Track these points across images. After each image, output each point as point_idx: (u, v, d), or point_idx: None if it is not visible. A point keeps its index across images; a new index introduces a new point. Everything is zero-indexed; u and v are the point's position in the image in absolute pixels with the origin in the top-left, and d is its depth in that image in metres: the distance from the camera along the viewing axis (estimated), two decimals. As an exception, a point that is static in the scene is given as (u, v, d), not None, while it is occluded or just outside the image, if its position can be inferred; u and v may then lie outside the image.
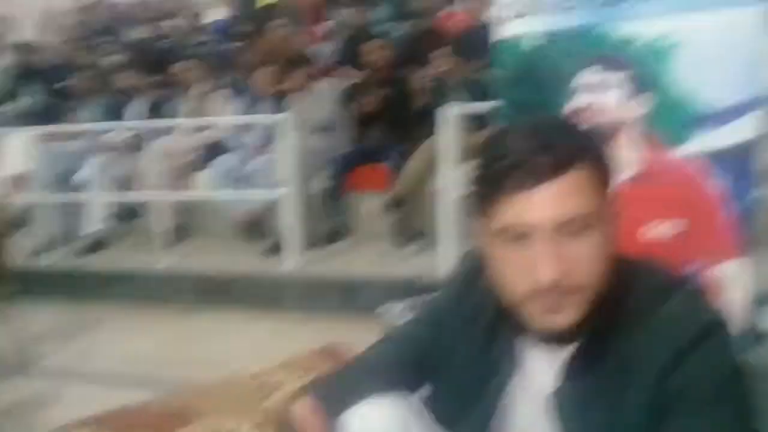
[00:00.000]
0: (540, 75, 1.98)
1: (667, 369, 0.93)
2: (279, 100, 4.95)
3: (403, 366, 1.17)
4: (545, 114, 1.85)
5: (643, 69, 1.78)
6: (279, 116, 4.42)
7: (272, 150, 4.61)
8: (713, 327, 0.95)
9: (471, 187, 1.00)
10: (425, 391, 1.18)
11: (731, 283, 1.62)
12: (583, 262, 0.92)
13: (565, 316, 0.94)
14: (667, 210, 1.67)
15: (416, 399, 1.11)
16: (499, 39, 2.10)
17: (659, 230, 1.66)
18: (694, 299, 0.99)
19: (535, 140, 0.92)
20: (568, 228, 0.91)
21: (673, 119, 1.72)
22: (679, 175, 1.67)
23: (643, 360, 0.95)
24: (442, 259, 3.85)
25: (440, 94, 4.50)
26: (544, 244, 0.90)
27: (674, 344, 0.93)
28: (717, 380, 0.92)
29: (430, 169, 4.24)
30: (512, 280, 0.95)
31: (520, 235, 0.92)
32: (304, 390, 1.16)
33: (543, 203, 0.90)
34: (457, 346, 1.14)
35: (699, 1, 1.73)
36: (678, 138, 1.70)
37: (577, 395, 0.99)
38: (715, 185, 1.65)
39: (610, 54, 1.84)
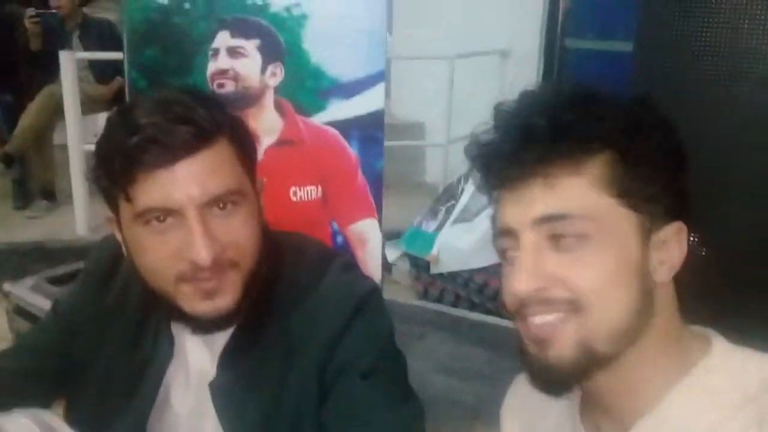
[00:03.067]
0: (171, 36, 1.89)
1: (331, 345, 0.94)
2: None
3: (31, 379, 1.04)
4: (176, 80, 1.81)
5: (277, 37, 1.84)
6: None
7: None
8: (367, 297, 0.99)
9: (99, 168, 0.89)
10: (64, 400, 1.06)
11: (369, 237, 1.83)
12: (235, 238, 0.88)
13: (222, 300, 0.89)
14: (310, 174, 1.79)
15: (49, 413, 0.93)
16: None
17: (304, 193, 1.79)
18: (347, 273, 1.02)
19: (171, 113, 0.85)
20: (216, 204, 0.87)
21: (307, 88, 1.82)
22: (318, 142, 1.81)
23: (305, 340, 0.95)
24: (76, 218, 3.58)
25: (59, 37, 4.02)
26: (194, 223, 0.85)
27: (334, 321, 0.95)
28: (375, 348, 0.97)
29: (50, 120, 3.84)
30: (162, 265, 0.88)
31: (165, 216, 0.86)
32: None
33: (186, 180, 0.84)
34: (100, 345, 1.03)
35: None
36: (313, 107, 1.82)
37: (236, 384, 0.95)
38: (351, 152, 1.82)
39: (244, 19, 1.85)
